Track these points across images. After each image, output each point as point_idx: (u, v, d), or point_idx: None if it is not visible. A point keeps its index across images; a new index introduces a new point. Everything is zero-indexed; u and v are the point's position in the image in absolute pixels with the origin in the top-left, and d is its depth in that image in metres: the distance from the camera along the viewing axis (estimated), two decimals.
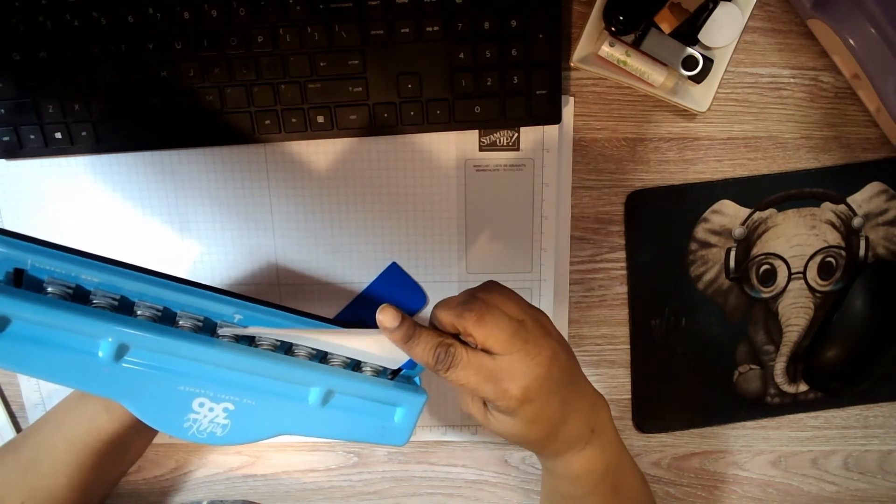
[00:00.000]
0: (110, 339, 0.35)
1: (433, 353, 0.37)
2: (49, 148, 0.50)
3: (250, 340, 0.39)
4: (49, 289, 0.34)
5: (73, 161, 0.52)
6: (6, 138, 0.50)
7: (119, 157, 0.52)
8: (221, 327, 0.38)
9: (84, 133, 0.50)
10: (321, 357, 0.41)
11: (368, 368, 0.41)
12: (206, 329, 0.38)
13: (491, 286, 0.40)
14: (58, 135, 0.50)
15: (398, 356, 0.41)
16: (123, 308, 0.36)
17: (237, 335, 0.38)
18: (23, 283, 0.34)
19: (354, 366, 0.41)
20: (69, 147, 0.50)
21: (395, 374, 0.43)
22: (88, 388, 0.35)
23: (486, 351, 0.37)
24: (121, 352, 0.35)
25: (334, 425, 0.40)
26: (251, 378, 0.38)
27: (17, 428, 0.57)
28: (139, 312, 0.36)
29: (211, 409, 0.37)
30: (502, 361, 0.37)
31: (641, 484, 0.46)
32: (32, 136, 0.50)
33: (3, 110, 0.49)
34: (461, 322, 0.37)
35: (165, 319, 0.37)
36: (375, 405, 0.41)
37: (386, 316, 0.37)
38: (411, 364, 0.42)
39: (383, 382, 0.41)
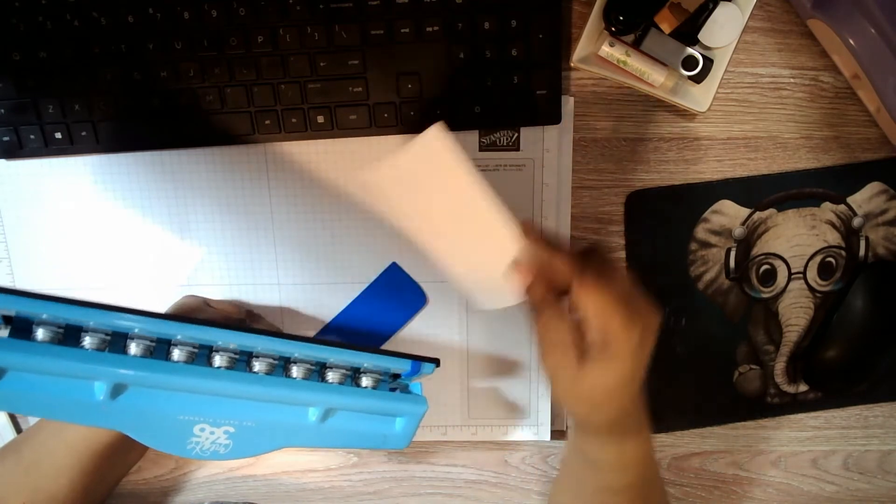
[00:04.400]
0: (104, 382, 0.35)
1: (567, 256, 0.38)
2: (49, 148, 0.50)
3: (248, 361, 0.39)
4: (39, 332, 0.34)
5: (73, 161, 0.52)
6: (6, 138, 0.50)
7: (119, 157, 0.52)
8: (217, 350, 0.38)
9: (84, 133, 0.50)
10: (320, 368, 0.40)
11: (368, 380, 0.41)
12: (203, 353, 0.38)
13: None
14: (58, 135, 0.50)
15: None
16: (117, 341, 0.36)
17: (233, 357, 0.38)
18: (12, 323, 0.34)
19: (354, 376, 0.41)
20: (69, 147, 0.50)
21: (394, 377, 0.42)
22: (89, 422, 0.36)
23: None
24: (117, 391, 0.35)
25: (335, 437, 0.40)
26: (249, 403, 0.38)
27: (18, 428, 0.57)
28: (133, 347, 0.36)
29: (212, 433, 0.38)
30: (638, 307, 0.38)
31: (664, 489, 0.47)
32: (32, 136, 0.50)
33: (3, 110, 0.49)
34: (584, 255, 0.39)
35: (160, 349, 0.37)
36: (376, 417, 0.41)
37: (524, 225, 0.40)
38: (415, 369, 0.42)
39: (383, 395, 0.41)
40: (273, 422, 0.38)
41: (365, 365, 0.41)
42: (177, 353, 0.37)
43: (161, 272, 0.53)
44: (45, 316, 0.34)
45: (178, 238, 0.53)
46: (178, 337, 0.37)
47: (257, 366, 0.39)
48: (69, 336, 0.35)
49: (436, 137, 0.41)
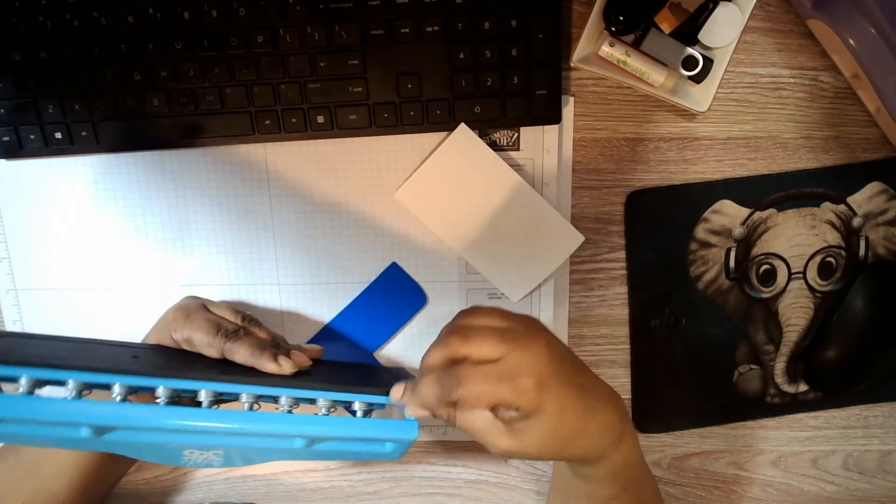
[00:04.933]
0: (87, 427, 0.36)
1: (438, 383, 0.36)
2: (49, 148, 0.50)
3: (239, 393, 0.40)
4: (22, 379, 0.35)
5: (73, 161, 0.52)
6: (6, 138, 0.50)
7: (119, 157, 0.52)
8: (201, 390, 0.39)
9: (84, 133, 0.50)
10: (307, 401, 0.41)
11: (360, 405, 0.41)
12: (185, 395, 0.39)
13: (467, 311, 0.40)
14: (58, 135, 0.50)
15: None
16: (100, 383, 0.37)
17: (217, 394, 0.39)
18: None
19: (344, 407, 0.41)
20: (69, 147, 0.50)
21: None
22: (81, 449, 0.38)
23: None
24: (101, 431, 0.36)
25: (325, 455, 0.41)
26: (228, 433, 0.38)
27: None
28: (116, 388, 0.37)
29: (201, 454, 0.38)
30: (506, 362, 0.36)
31: (655, 483, 0.46)
32: (32, 136, 0.50)
33: (3, 110, 0.49)
34: (449, 349, 0.37)
35: (143, 389, 0.38)
36: (364, 442, 0.40)
37: (394, 391, 0.40)
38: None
39: (372, 423, 0.40)
40: (259, 447, 0.39)
41: (354, 401, 0.41)
42: (160, 391, 0.38)
43: (161, 272, 0.53)
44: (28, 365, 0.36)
45: (178, 238, 0.53)
46: (159, 389, 0.38)
47: (244, 397, 0.39)
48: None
49: (463, 134, 0.49)
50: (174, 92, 0.49)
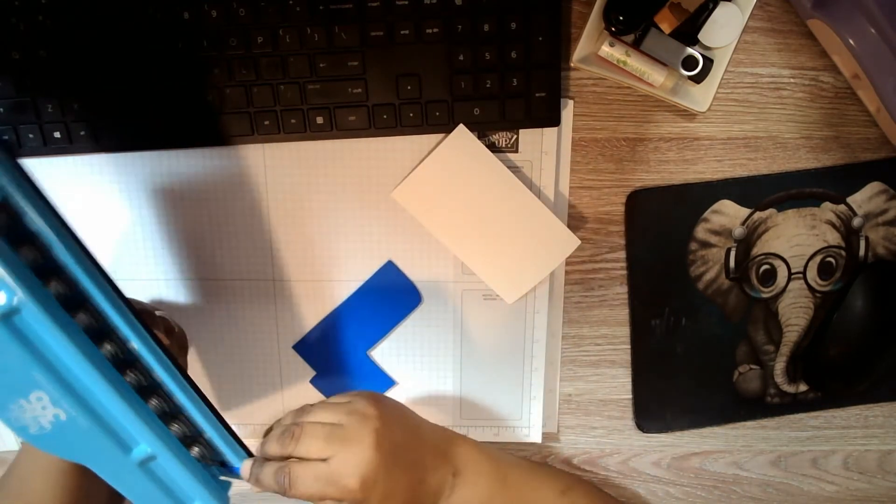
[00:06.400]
0: None
1: (275, 479, 0.40)
2: (48, 147, 0.50)
3: (125, 368, 0.38)
4: None
5: (72, 160, 0.52)
6: (5, 137, 0.50)
7: (118, 157, 0.52)
8: (110, 340, 0.38)
9: (83, 132, 0.50)
10: (170, 415, 0.40)
11: (196, 450, 0.41)
12: (98, 332, 0.37)
13: (304, 408, 0.43)
14: (57, 134, 0.50)
15: None
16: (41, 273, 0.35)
17: (118, 353, 0.38)
18: None
19: (190, 441, 0.41)
20: (68, 146, 0.50)
21: (222, 464, 0.43)
22: None
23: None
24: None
25: (134, 490, 0.40)
26: (91, 399, 0.37)
27: None
28: (52, 285, 0.35)
29: (43, 409, 0.36)
30: (333, 463, 0.39)
31: (558, 495, 0.50)
32: (31, 136, 0.50)
33: (2, 109, 0.49)
34: (284, 449, 0.41)
35: (69, 302, 0.36)
36: (176, 492, 0.40)
37: (244, 466, 0.42)
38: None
39: (196, 471, 0.40)
40: (99, 436, 0.38)
41: (207, 436, 0.42)
42: (79, 316, 0.36)
43: (158, 271, 0.53)
44: None
45: (175, 237, 0.53)
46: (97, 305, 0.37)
47: (129, 376, 0.38)
48: None
49: (461, 134, 0.49)
50: (173, 92, 0.49)
